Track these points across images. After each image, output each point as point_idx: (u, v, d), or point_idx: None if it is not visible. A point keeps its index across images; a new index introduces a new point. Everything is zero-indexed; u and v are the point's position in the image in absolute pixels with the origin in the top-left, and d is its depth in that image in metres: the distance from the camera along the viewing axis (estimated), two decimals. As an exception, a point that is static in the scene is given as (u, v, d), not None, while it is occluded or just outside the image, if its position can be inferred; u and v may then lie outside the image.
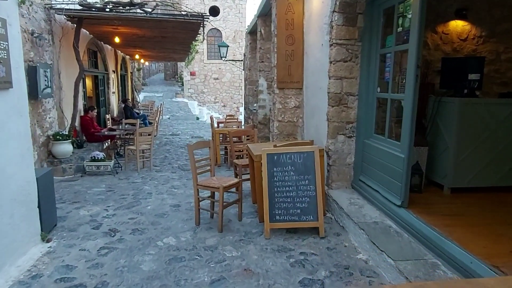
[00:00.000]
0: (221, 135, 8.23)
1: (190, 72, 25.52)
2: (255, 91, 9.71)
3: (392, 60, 3.62)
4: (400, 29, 3.49)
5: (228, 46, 11.50)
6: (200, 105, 24.88)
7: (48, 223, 3.90)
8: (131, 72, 18.29)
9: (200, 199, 4.18)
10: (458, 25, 4.98)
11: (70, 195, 5.38)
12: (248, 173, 5.30)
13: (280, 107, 5.35)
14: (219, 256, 3.38)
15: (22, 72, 3.28)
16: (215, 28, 25.16)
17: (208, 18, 9.79)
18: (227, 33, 25.53)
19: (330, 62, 4.22)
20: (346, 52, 4.15)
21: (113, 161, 7.17)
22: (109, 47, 12.30)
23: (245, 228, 4.06)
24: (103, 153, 7.11)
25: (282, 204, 3.79)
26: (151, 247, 3.58)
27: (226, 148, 8.49)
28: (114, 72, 13.31)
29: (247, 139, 7.08)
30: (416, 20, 3.12)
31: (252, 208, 4.76)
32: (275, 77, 5.36)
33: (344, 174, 4.41)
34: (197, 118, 19.62)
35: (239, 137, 7.20)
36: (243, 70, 10.61)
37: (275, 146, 4.00)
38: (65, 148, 6.84)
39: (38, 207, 3.60)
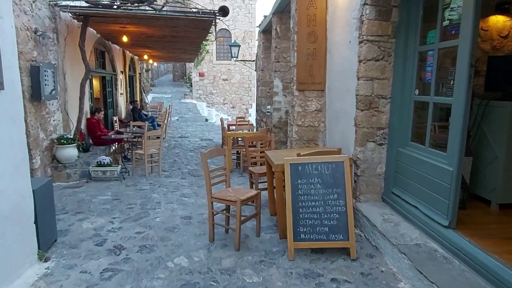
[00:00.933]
0: (232, 139, 7.83)
1: (199, 73, 25.20)
2: (268, 92, 9.29)
3: (435, 58, 3.16)
4: (446, 22, 3.03)
5: (240, 45, 11.11)
6: (209, 107, 24.54)
7: (47, 239, 3.52)
8: (139, 73, 18.02)
9: (214, 213, 3.76)
10: (498, 21, 4.50)
11: (74, 205, 5.01)
12: (265, 181, 4.88)
13: (300, 110, 4.92)
14: (238, 282, 2.96)
15: (16, 72, 2.90)
16: (224, 29, 24.79)
17: (220, 16, 9.45)
18: (236, 34, 25.17)
19: (360, 61, 3.78)
20: (378, 50, 3.70)
21: (119, 166, 6.80)
22: (117, 47, 12.00)
23: (264, 246, 3.64)
24: (109, 158, 6.75)
25: (307, 221, 3.35)
26: (161, 269, 3.17)
27: (238, 152, 8.08)
28: (122, 73, 13.01)
29: (260, 145, 6.66)
30: (470, 11, 2.66)
31: (270, 221, 4.33)
32: (294, 78, 4.94)
33: (373, 186, 3.96)
34: (206, 120, 19.27)
35: (252, 142, 6.79)
36: (255, 70, 10.19)
37: (298, 155, 3.57)
38: (70, 152, 6.49)
39: (35, 223, 3.22)
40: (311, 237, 3.33)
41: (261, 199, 3.89)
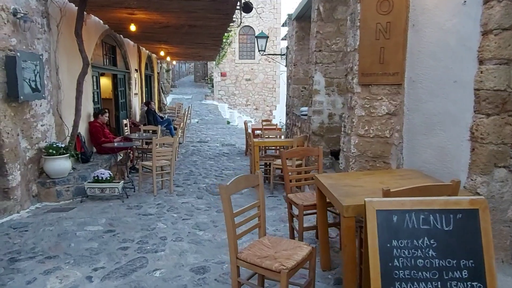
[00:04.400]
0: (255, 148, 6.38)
1: (221, 73, 23.96)
2: (302, 92, 7.81)
3: None
4: None
5: (268, 37, 9.68)
6: (230, 108, 23.25)
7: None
8: (158, 72, 16.91)
9: (241, 282, 2.31)
10: None
11: (50, 241, 3.69)
12: (311, 213, 3.41)
13: (363, 114, 3.41)
14: None
15: None
16: (247, 26, 23.49)
17: (244, 13, 8.10)
18: (260, 31, 23.75)
19: (486, 33, 2.25)
20: (520, 13, 2.16)
21: (121, 182, 5.48)
22: (131, 42, 10.83)
23: None
24: (109, 172, 5.44)
25: (410, 316, 1.85)
26: None
27: (266, 164, 6.63)
28: (137, 71, 11.84)
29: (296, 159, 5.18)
30: None
31: (322, 281, 2.85)
32: (354, 68, 3.44)
33: (501, 238, 2.41)
34: (228, 122, 17.94)
35: (278, 152, 5.30)
36: (285, 66, 8.72)
37: (387, 192, 2.06)
38: (61, 165, 5.22)
39: None
40: None
41: (316, 259, 2.41)
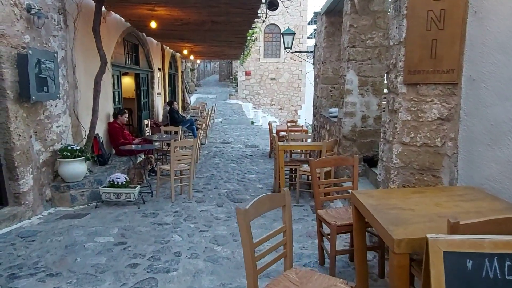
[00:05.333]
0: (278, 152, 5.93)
1: (245, 72, 23.63)
2: (330, 91, 7.28)
3: None
4: None
5: (294, 33, 9.18)
6: (255, 108, 22.86)
7: None
8: (182, 72, 16.76)
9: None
10: None
11: (56, 254, 3.40)
12: (344, 232, 2.94)
13: (408, 118, 2.89)
14: None
15: None
16: (273, 24, 23.03)
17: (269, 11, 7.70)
18: (286, 28, 23.22)
19: None
20: None
21: (138, 187, 5.18)
22: (154, 41, 10.63)
23: None
24: (124, 176, 5.15)
25: None
26: None
27: (292, 170, 6.16)
28: (160, 70, 11.65)
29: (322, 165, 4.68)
30: None
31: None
32: (398, 64, 2.92)
33: None
34: (252, 123, 17.54)
35: (308, 158, 4.82)
36: (313, 64, 8.20)
37: (455, 226, 1.56)
38: (75, 168, 4.98)
39: None
40: None
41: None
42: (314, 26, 27.20)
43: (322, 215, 2.98)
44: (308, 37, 25.48)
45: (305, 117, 22.13)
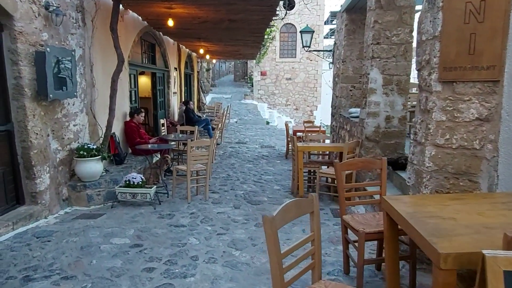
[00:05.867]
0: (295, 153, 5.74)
1: (261, 72, 23.49)
2: (350, 91, 7.06)
3: None
4: None
5: (313, 31, 8.97)
6: (270, 108, 22.70)
7: None
8: (197, 71, 16.74)
9: None
10: None
11: (71, 256, 3.32)
12: (371, 239, 2.75)
13: (443, 118, 2.68)
14: None
15: None
16: (289, 23, 22.82)
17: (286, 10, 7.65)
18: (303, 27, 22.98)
19: None
20: None
21: (154, 187, 5.10)
22: (171, 40, 10.60)
23: None
24: (140, 176, 5.08)
25: None
26: None
27: (311, 172, 5.98)
28: (176, 70, 11.62)
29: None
30: None
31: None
32: (432, 60, 2.72)
33: None
34: (267, 123, 17.39)
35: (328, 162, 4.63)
36: (331, 63, 7.99)
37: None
38: (92, 167, 4.93)
39: None
40: None
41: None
42: (331, 26, 26.91)
43: (349, 221, 2.80)
44: (324, 37, 25.16)
45: (321, 118, 21.83)
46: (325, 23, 24.52)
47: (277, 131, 15.28)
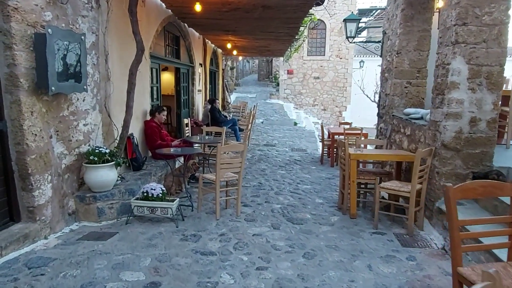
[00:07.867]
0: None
1: (287, 70, 22.48)
2: (406, 88, 5.98)
3: None
4: None
5: (359, 19, 7.91)
6: (296, 108, 21.64)
7: None
8: (222, 69, 15.94)
9: None
10: None
11: (66, 300, 2.48)
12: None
13: None
14: None
15: None
16: (318, 19, 21.67)
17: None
18: (332, 25, 21.86)
19: None
20: None
21: (176, 201, 4.23)
22: (196, 34, 9.79)
23: None
24: (161, 187, 4.23)
25: None
26: None
27: (364, 185, 4.96)
28: (202, 66, 10.82)
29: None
30: None
31: None
32: None
33: None
34: (295, 124, 16.37)
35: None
36: (380, 56, 6.93)
37: None
38: (103, 175, 4.11)
39: None
40: None
41: None
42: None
43: (474, 279, 1.80)
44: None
45: (351, 119, 20.57)
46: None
47: (306, 133, 14.25)
